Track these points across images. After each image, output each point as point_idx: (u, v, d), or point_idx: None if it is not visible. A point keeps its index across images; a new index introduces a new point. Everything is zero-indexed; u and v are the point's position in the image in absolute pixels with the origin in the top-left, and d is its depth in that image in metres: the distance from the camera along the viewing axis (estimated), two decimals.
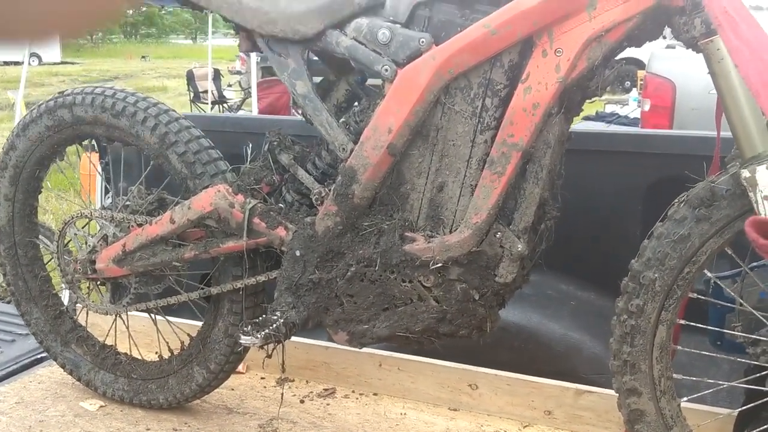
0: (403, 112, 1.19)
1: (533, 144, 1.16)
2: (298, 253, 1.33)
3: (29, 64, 6.94)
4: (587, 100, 1.20)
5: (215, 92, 10.91)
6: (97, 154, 1.98)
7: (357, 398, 1.79)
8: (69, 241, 1.66)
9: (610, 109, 6.98)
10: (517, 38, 1.11)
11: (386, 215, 1.28)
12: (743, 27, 0.92)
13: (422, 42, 1.17)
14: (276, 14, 1.30)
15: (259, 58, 8.38)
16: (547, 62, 1.09)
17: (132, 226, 1.52)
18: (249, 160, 1.47)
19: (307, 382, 1.85)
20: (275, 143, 1.42)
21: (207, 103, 10.44)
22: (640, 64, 8.46)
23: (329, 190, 1.30)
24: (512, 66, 1.14)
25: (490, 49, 1.12)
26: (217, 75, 11.25)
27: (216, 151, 1.50)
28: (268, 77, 9.81)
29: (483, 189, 1.19)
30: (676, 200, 1.15)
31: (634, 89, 7.81)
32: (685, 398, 1.25)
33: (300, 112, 1.41)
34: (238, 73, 12.64)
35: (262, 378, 1.87)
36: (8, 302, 2.71)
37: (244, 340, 1.30)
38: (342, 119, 1.33)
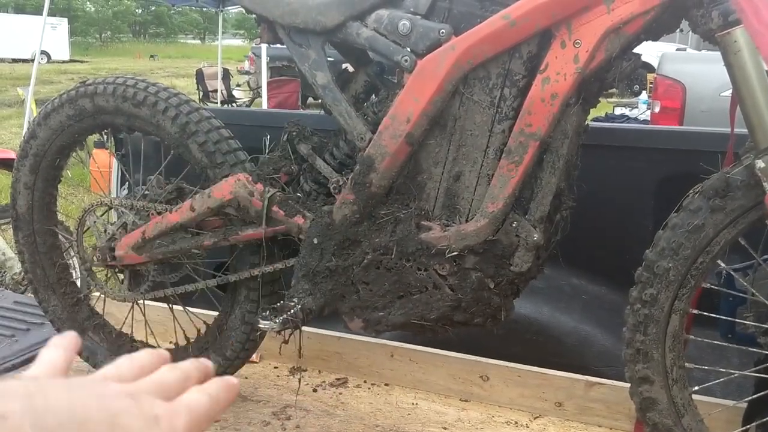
0: (422, 101, 1.21)
1: (551, 134, 1.17)
2: (315, 241, 1.35)
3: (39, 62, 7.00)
4: (604, 92, 1.22)
5: (224, 92, 10.99)
6: (107, 150, 2.01)
7: (369, 388, 1.81)
8: (88, 229, 1.69)
9: (619, 111, 7.00)
10: (536, 30, 1.12)
11: (403, 204, 1.30)
12: (764, 12, 0.94)
13: (442, 33, 1.19)
14: (298, 5, 1.32)
15: (269, 59, 8.41)
16: (565, 53, 1.11)
17: (152, 214, 1.54)
18: (267, 150, 1.49)
19: (319, 371, 1.87)
20: (294, 134, 1.44)
21: (216, 102, 10.51)
22: (649, 68, 8.48)
23: (347, 180, 1.32)
24: (531, 57, 1.15)
25: (510, 40, 1.14)
26: (226, 74, 11.34)
27: (235, 141, 1.52)
28: (278, 77, 9.87)
29: (500, 178, 1.20)
30: (691, 191, 1.17)
31: (644, 92, 7.84)
32: (696, 386, 1.27)
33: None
34: (247, 73, 12.71)
35: (275, 367, 1.90)
36: (23, 292, 2.75)
37: (263, 324, 1.32)
38: (360, 110, 1.35)
